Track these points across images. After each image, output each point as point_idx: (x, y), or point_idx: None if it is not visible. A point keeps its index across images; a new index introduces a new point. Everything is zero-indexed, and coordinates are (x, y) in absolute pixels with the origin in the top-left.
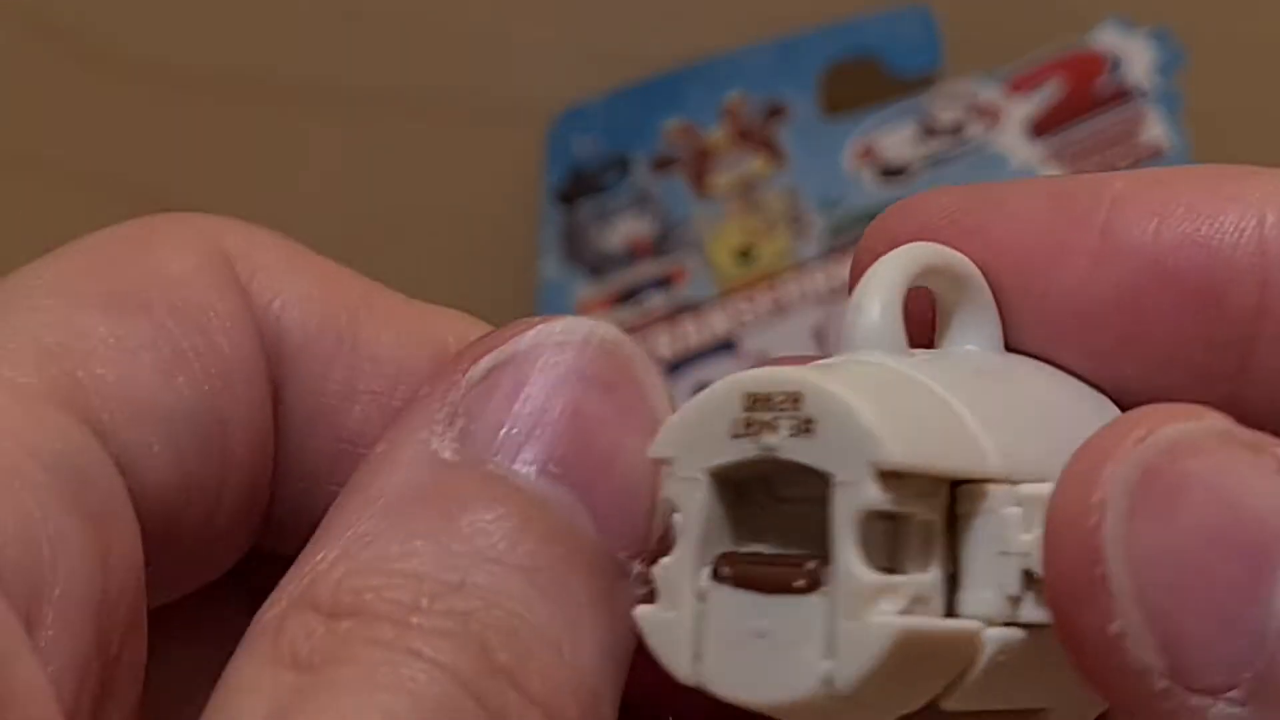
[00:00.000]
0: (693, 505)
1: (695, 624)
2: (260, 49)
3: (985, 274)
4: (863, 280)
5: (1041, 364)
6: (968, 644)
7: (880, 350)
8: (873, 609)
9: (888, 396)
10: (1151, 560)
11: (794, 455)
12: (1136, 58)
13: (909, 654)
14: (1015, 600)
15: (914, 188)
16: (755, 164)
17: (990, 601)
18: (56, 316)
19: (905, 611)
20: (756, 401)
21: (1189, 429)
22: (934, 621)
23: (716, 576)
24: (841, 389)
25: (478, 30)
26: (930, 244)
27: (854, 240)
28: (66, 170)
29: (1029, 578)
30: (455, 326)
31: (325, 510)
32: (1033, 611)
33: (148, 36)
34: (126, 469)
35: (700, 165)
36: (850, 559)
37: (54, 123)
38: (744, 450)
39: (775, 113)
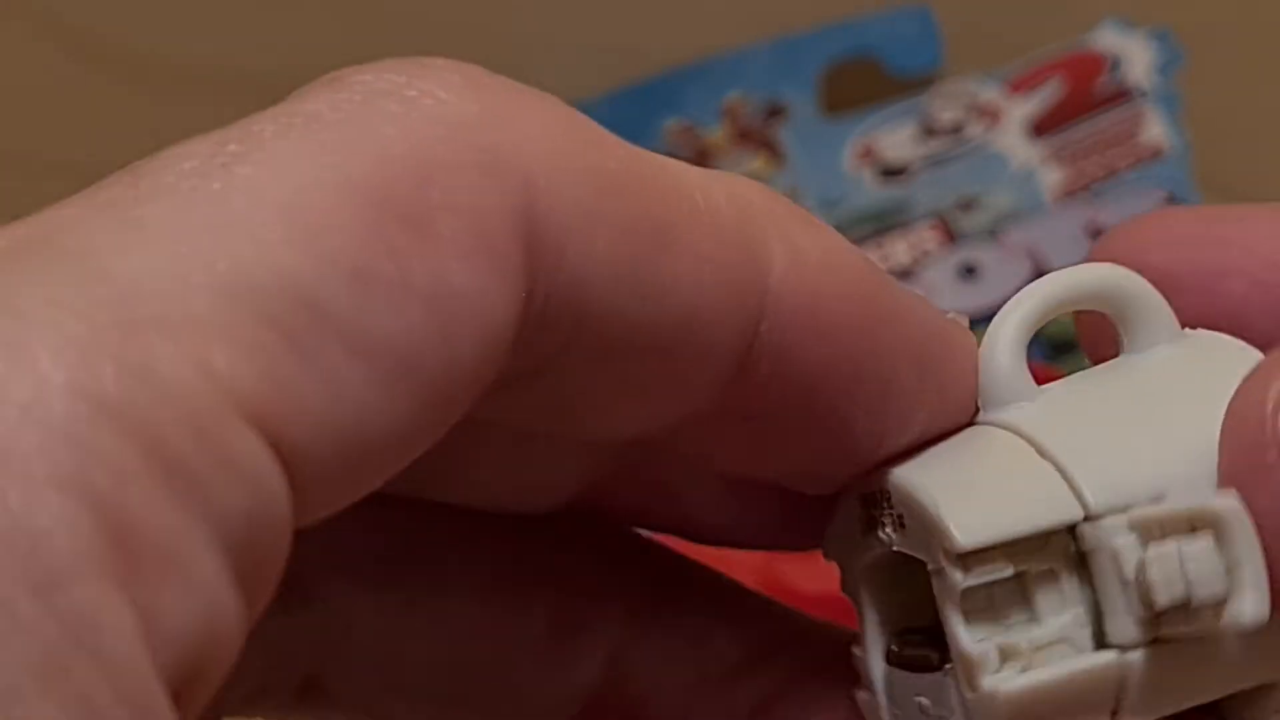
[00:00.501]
0: (862, 598)
1: (885, 701)
2: (263, 47)
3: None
4: (987, 333)
5: (1213, 345)
6: (1112, 672)
7: (1004, 403)
8: (986, 677)
9: (970, 473)
10: None
11: (902, 547)
12: (1136, 58)
13: (1039, 704)
14: (1153, 621)
15: (914, 187)
16: (756, 163)
17: (1129, 627)
18: (291, 261)
19: (1032, 665)
20: (867, 500)
21: None
22: (1057, 668)
23: (886, 659)
24: (917, 482)
25: (479, 31)
26: (1056, 275)
27: (854, 239)
28: (70, 168)
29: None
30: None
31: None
32: (1175, 626)
33: (154, 35)
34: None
35: (701, 164)
36: (958, 635)
37: (58, 122)
38: (874, 546)
39: (775, 112)
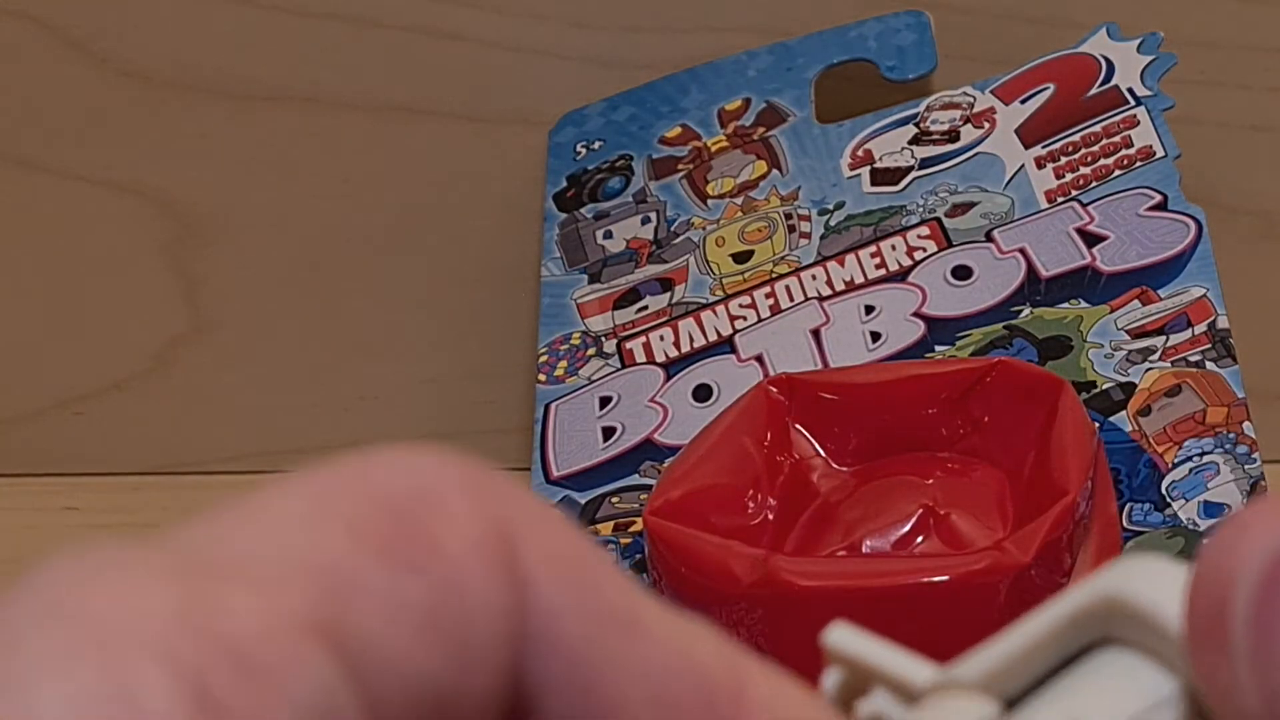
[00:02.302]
0: None
1: None
2: (268, 59)
3: None
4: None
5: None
6: None
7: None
8: None
9: None
10: (1269, 641)
11: None
12: (1128, 64)
13: None
14: None
15: (909, 191)
16: (753, 167)
17: None
18: (331, 547)
19: None
20: None
21: None
22: None
23: None
24: None
25: (480, 36)
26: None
27: (851, 242)
28: (76, 174)
29: None
30: (712, 648)
31: None
32: None
33: (163, 46)
34: None
35: (699, 169)
36: None
37: (64, 127)
38: None
39: (773, 117)
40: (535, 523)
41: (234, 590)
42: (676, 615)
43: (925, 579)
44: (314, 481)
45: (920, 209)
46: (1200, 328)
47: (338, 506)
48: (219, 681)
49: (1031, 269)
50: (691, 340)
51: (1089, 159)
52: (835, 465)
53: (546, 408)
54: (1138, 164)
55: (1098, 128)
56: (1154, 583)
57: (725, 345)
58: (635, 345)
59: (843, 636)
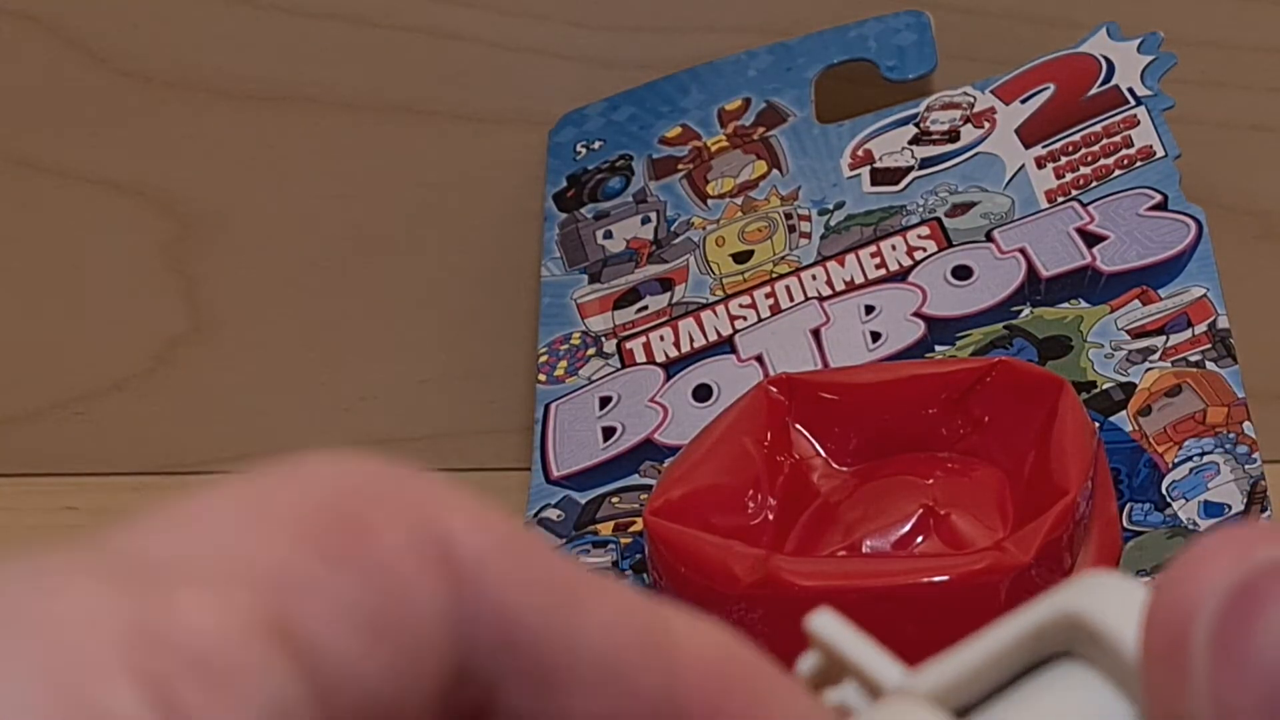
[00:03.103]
0: None
1: None
2: (268, 60)
3: None
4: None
5: None
6: None
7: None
8: None
9: None
10: (1230, 671)
11: None
12: (1128, 64)
13: None
14: None
15: (909, 191)
16: (753, 167)
17: None
18: (277, 550)
19: None
20: None
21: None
22: None
23: None
24: None
25: (480, 36)
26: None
27: (851, 242)
28: (76, 174)
29: None
30: (643, 602)
31: None
32: None
33: (163, 46)
34: None
35: (699, 169)
36: None
37: (64, 127)
38: None
39: (773, 117)
40: (466, 515)
41: (184, 594)
42: (608, 579)
43: (925, 579)
44: (247, 485)
45: (920, 209)
46: (1200, 328)
47: (274, 508)
48: (184, 689)
49: (1031, 269)
50: (691, 340)
51: (1089, 159)
52: (835, 465)
53: (546, 408)
54: (1138, 164)
55: (1098, 128)
56: (1114, 603)
57: (725, 345)
58: (635, 345)
59: (825, 624)
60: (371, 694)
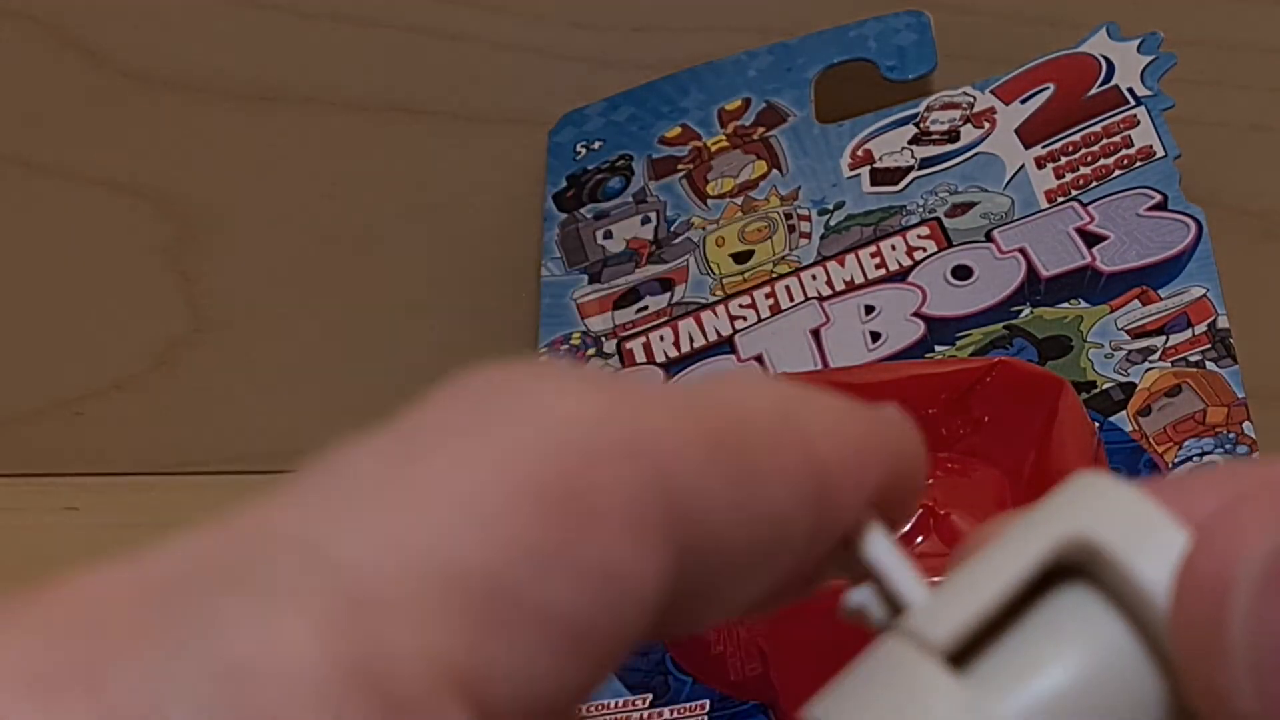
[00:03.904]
0: None
1: None
2: (268, 60)
3: None
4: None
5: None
6: None
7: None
8: None
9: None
10: (1272, 640)
11: None
12: (1128, 64)
13: None
14: None
15: (909, 191)
16: (753, 167)
17: None
18: (493, 546)
19: None
20: None
21: None
22: None
23: None
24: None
25: (480, 36)
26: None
27: (851, 242)
28: (76, 174)
29: None
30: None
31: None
32: None
33: (163, 46)
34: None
35: (699, 169)
36: None
37: (64, 127)
38: None
39: (773, 117)
40: (685, 442)
41: (394, 629)
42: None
43: (925, 579)
44: (459, 457)
45: (920, 209)
46: (1200, 328)
47: (509, 486)
48: None
49: (1031, 269)
50: (691, 340)
51: (1089, 159)
52: None
53: None
54: (1138, 164)
55: (1098, 128)
56: (1124, 524)
57: (725, 345)
58: (635, 345)
59: (876, 539)
60: (556, 696)
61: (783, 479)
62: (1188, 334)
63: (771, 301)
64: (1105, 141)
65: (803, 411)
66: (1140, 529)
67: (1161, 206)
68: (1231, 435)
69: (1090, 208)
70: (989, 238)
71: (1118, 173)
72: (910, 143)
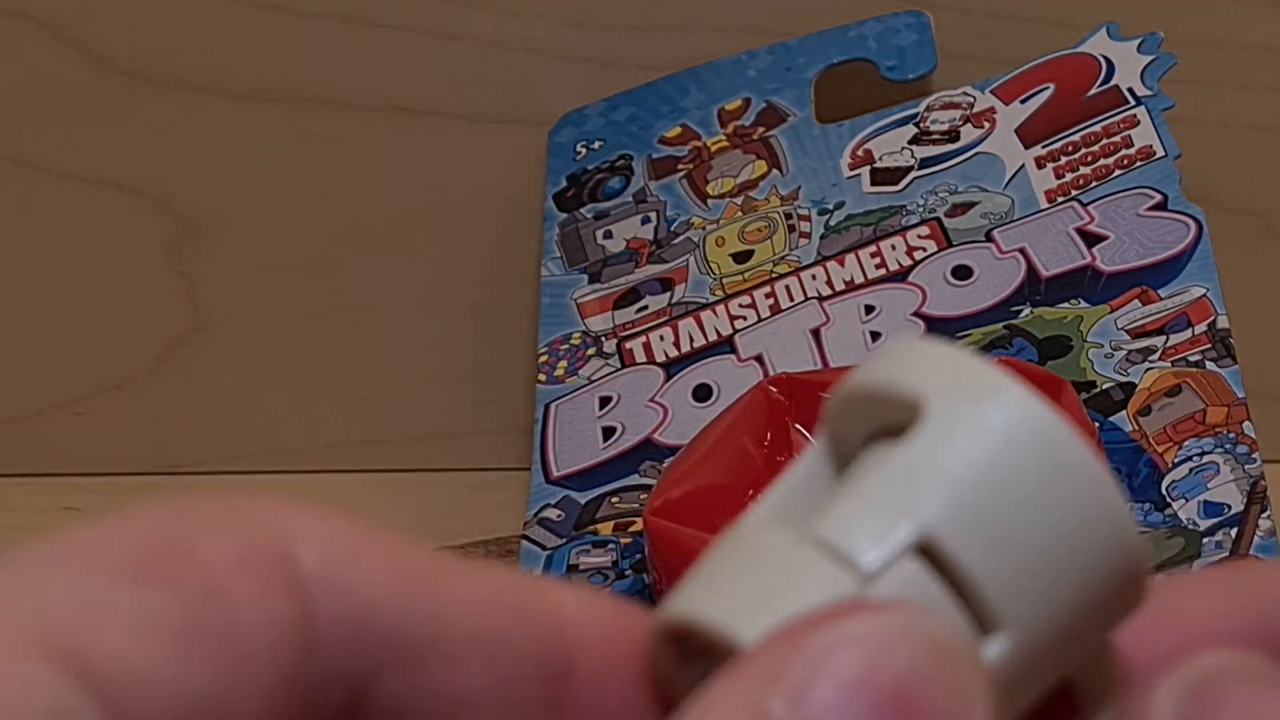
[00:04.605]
0: None
1: None
2: (268, 60)
3: None
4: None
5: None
6: None
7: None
8: None
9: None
10: None
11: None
12: (1128, 64)
13: None
14: None
15: (909, 191)
16: (753, 167)
17: None
18: (78, 583)
19: None
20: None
21: (1234, 659)
22: None
23: None
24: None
25: (480, 36)
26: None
27: (851, 242)
28: (76, 174)
29: None
30: (508, 572)
31: None
32: None
33: (163, 46)
34: None
35: (699, 169)
36: None
37: (64, 127)
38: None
39: (773, 117)
40: (304, 526)
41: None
42: (474, 562)
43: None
44: (76, 533)
45: (920, 209)
46: (1200, 328)
47: (94, 549)
48: None
49: (1031, 269)
50: (691, 340)
51: (1089, 159)
52: None
53: (546, 408)
54: (1138, 164)
55: (1098, 128)
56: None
57: (725, 345)
58: (635, 345)
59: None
60: (185, 701)
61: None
62: (1188, 334)
63: (771, 301)
64: (1105, 141)
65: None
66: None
67: (1161, 206)
68: (1231, 435)
69: (1090, 208)
70: (989, 238)
71: (1118, 173)
72: (910, 143)
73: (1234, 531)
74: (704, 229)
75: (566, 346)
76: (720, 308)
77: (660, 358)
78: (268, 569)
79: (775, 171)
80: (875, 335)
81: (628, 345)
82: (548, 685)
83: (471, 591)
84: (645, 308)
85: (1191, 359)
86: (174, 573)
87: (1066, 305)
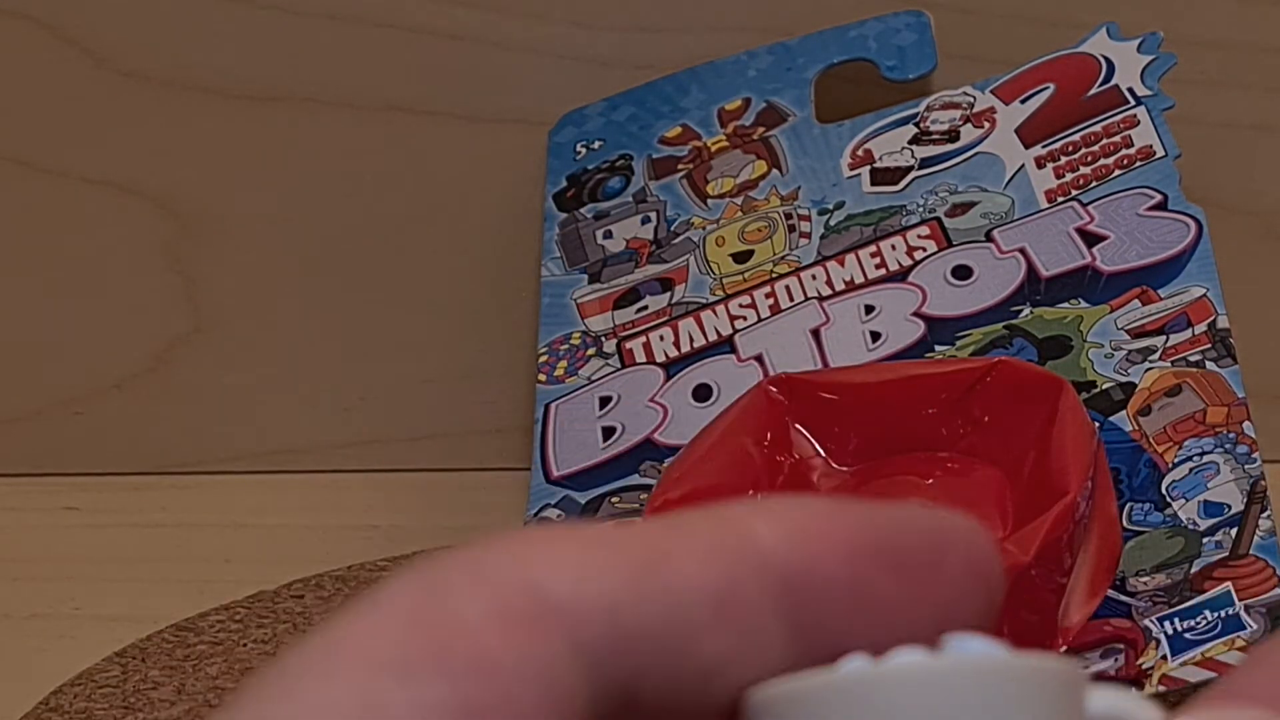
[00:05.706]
0: None
1: None
2: (268, 60)
3: None
4: None
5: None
6: None
7: None
8: None
9: None
10: None
11: None
12: (1128, 64)
13: None
14: None
15: (909, 191)
16: (753, 167)
17: None
18: (351, 686)
19: None
20: None
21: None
22: None
23: None
24: None
25: (480, 36)
26: None
27: (851, 242)
28: (76, 174)
29: None
30: (712, 517)
31: None
32: None
33: (163, 46)
34: None
35: (699, 168)
36: None
37: (64, 127)
38: None
39: (773, 117)
40: (549, 553)
41: None
42: (669, 521)
43: None
44: (333, 630)
45: (920, 209)
46: (1200, 328)
47: (355, 644)
48: None
49: (1031, 269)
50: (691, 340)
51: (1089, 159)
52: (835, 465)
53: (546, 408)
54: (1138, 164)
55: (1098, 127)
56: None
57: (725, 345)
58: (635, 345)
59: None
60: None
61: (706, 591)
62: (1188, 334)
63: (771, 301)
64: (1105, 141)
65: (748, 516)
66: None
67: (1161, 206)
68: (1231, 435)
69: (1090, 208)
70: (989, 238)
71: (1118, 172)
72: (910, 143)
73: (1234, 531)
74: (704, 229)
75: (566, 346)
76: (720, 308)
77: (660, 358)
78: (524, 616)
79: (775, 171)
80: (875, 335)
81: (628, 345)
82: (779, 616)
83: (694, 561)
84: (645, 308)
85: (1191, 359)
86: (438, 651)
87: (1066, 305)
